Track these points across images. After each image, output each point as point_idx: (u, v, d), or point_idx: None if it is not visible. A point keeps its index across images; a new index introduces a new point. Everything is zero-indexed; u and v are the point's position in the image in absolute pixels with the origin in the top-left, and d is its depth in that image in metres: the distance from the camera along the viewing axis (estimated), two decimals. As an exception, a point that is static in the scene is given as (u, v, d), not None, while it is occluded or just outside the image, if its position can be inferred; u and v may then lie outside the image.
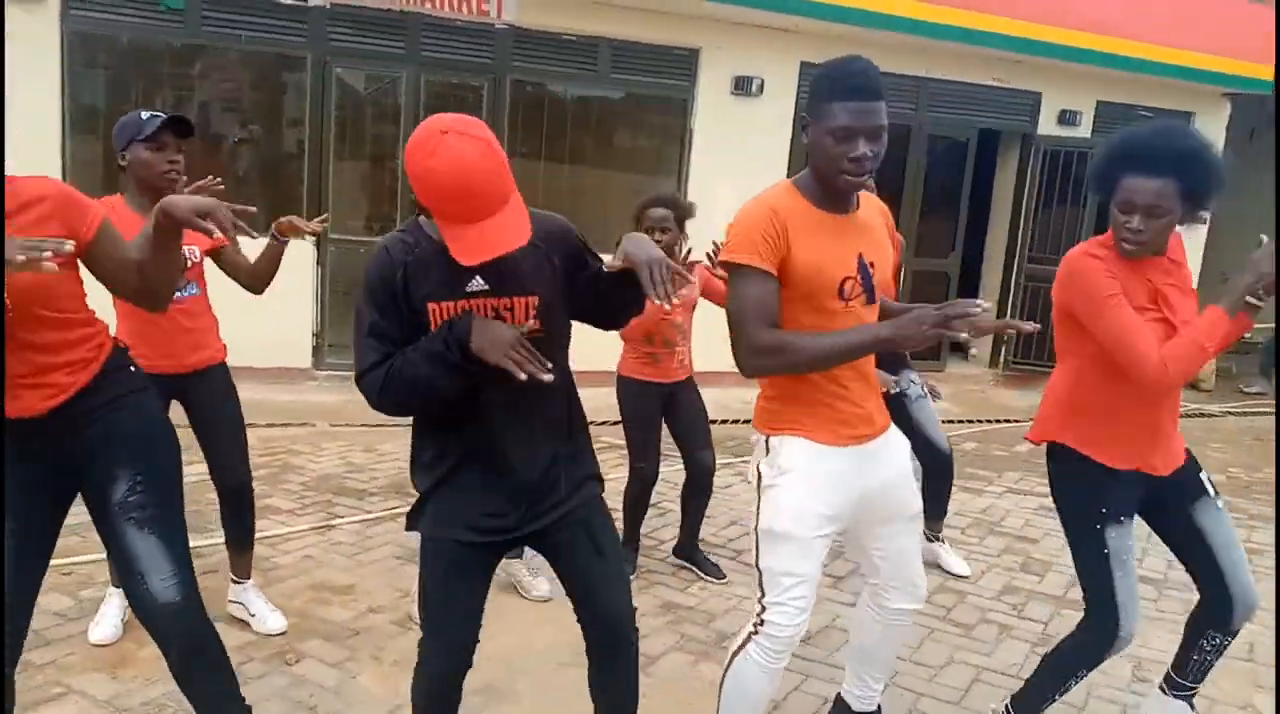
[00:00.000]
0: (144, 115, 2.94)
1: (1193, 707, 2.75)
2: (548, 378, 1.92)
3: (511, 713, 2.88)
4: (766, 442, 2.36)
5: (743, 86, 7.87)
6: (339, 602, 3.56)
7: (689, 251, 3.53)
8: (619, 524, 3.68)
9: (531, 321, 2.05)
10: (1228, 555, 2.53)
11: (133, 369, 2.25)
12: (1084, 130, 9.17)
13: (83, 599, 3.42)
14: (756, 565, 2.35)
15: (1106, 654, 2.53)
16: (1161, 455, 2.51)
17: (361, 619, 3.43)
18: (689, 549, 3.99)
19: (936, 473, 4.03)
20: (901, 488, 2.42)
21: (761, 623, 2.32)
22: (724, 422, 6.02)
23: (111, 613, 3.18)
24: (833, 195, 2.24)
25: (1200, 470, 2.60)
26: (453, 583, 2.15)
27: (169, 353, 3.01)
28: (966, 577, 4.10)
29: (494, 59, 7.27)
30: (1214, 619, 2.59)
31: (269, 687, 2.93)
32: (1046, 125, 9.05)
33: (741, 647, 2.36)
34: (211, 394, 3.13)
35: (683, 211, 3.61)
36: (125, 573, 2.15)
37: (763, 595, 2.33)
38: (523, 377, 1.91)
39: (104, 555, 3.00)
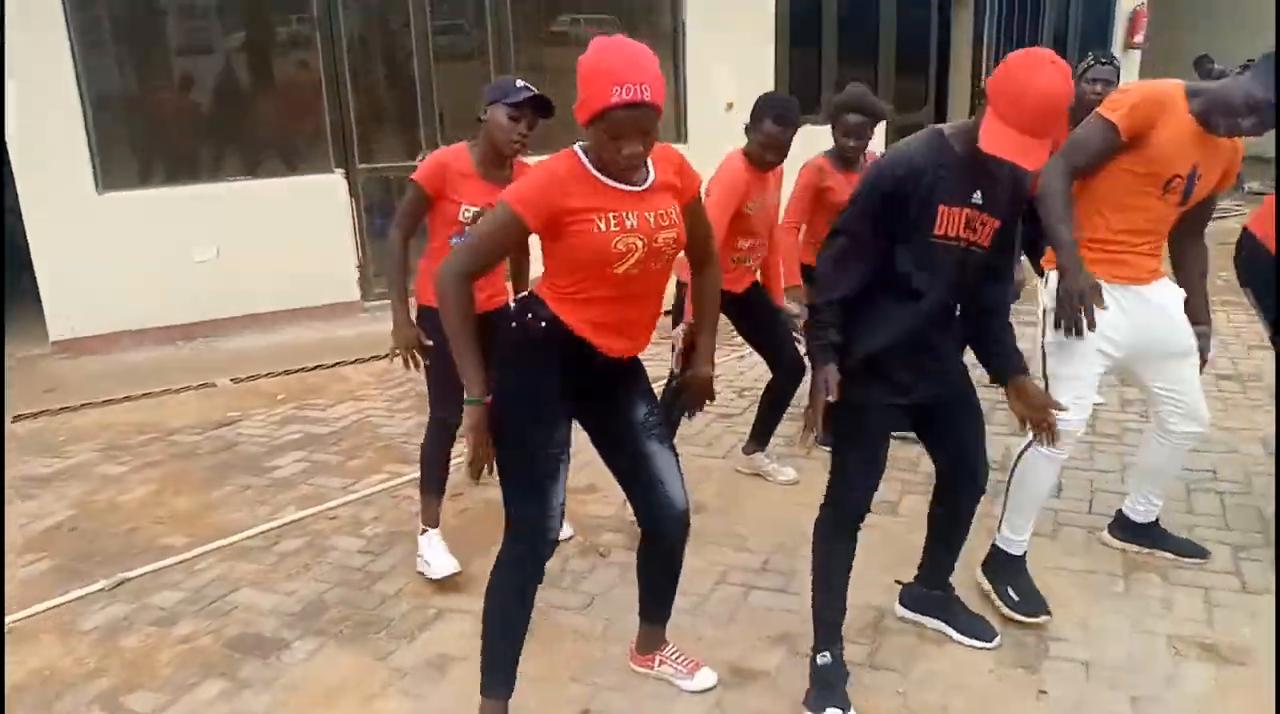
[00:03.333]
0: (518, 83, 3.06)
1: None
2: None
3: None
4: (1046, 276, 2.81)
5: (728, -37, 7.97)
6: (593, 500, 3.88)
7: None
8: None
9: None
10: None
11: None
12: (1032, -29, 9.61)
13: (370, 536, 3.68)
14: (1044, 374, 2.80)
15: None
16: None
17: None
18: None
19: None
20: (1175, 326, 2.87)
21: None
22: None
23: (440, 548, 3.40)
24: None
25: None
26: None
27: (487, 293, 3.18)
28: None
29: (492, -39, 7.19)
30: None
31: (603, 580, 3.29)
32: (999, -30, 9.45)
33: (1027, 446, 2.83)
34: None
35: (878, 115, 3.86)
36: (643, 480, 2.45)
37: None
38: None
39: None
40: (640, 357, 2.47)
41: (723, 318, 3.42)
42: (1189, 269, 2.99)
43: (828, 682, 2.55)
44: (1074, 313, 2.62)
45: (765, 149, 3.46)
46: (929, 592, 2.86)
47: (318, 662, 2.89)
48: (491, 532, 3.55)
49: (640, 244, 2.19)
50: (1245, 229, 3.34)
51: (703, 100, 7.96)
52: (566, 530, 3.57)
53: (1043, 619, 2.85)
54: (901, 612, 2.94)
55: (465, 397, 2.24)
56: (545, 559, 2.39)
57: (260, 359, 6.05)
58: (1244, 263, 3.34)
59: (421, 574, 3.34)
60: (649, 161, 2.24)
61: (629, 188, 2.21)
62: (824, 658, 2.57)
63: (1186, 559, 3.17)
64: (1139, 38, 10.42)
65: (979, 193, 2.36)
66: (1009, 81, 2.20)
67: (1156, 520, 3.24)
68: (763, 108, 3.47)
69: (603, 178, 2.19)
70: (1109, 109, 2.69)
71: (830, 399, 2.35)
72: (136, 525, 3.84)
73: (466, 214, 3.10)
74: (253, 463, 4.43)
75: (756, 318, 3.80)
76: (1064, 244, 2.66)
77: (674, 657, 2.71)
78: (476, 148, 3.12)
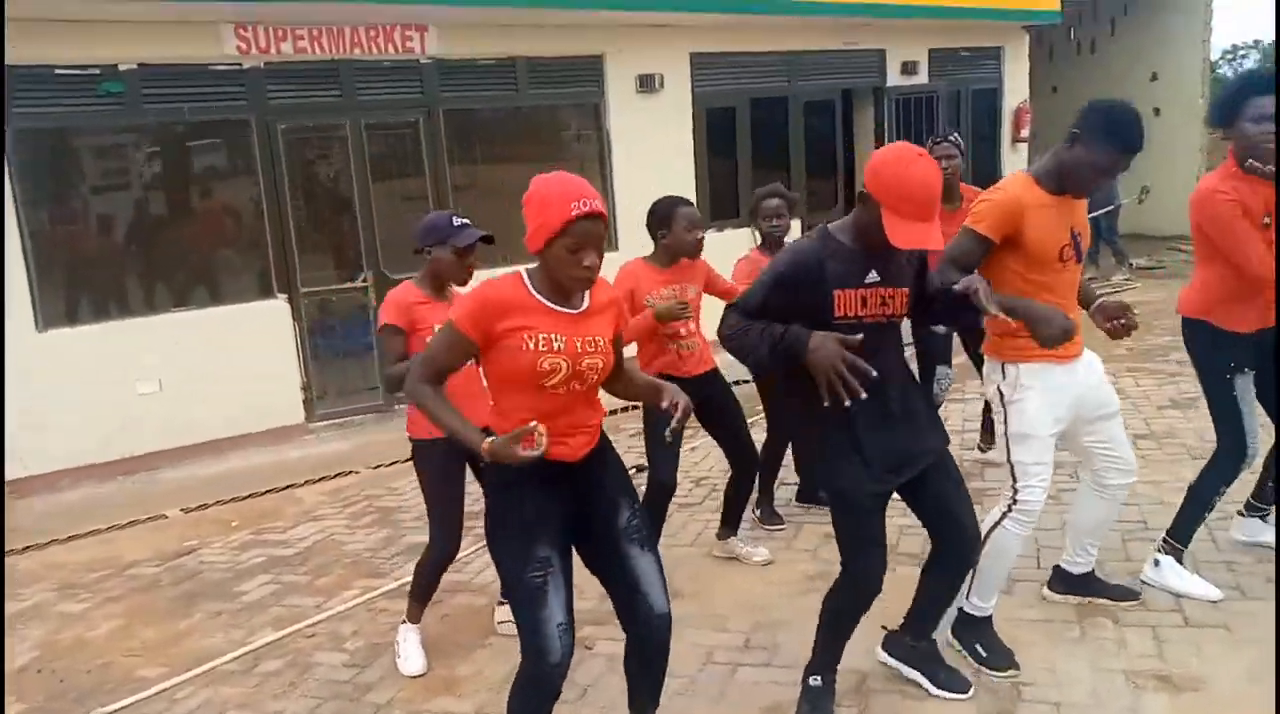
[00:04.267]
0: (455, 222, 3.30)
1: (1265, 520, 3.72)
2: (860, 394, 2.51)
3: (786, 635, 3.45)
4: (1003, 367, 3.06)
5: (646, 84, 8.48)
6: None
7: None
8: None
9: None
10: None
11: None
12: (923, 77, 10.40)
13: (352, 650, 3.71)
14: (1008, 461, 3.06)
15: (1239, 471, 3.41)
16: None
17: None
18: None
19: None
20: (1102, 389, 3.17)
21: (1015, 502, 3.03)
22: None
23: (416, 645, 3.49)
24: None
25: None
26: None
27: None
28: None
29: (424, 93, 7.54)
30: None
31: (593, 671, 3.37)
32: (892, 77, 10.21)
33: (996, 524, 3.06)
34: None
35: (791, 201, 4.26)
36: (624, 586, 2.52)
37: (1014, 482, 3.04)
38: (833, 396, 2.52)
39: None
40: (613, 462, 2.59)
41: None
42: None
43: (818, 705, 2.83)
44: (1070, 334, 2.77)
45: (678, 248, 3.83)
46: (913, 644, 3.03)
47: (318, 776, 2.90)
48: (474, 636, 3.67)
49: (565, 366, 2.35)
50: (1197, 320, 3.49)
51: (631, 212, 8.34)
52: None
53: (1011, 674, 3.03)
54: (883, 657, 3.11)
55: (480, 446, 2.30)
56: (547, 678, 2.38)
57: (209, 488, 6.03)
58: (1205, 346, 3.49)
59: (408, 675, 3.42)
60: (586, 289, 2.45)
61: (564, 310, 2.39)
62: (815, 680, 2.85)
63: (1121, 602, 3.41)
64: (1024, 132, 11.28)
65: (874, 272, 2.63)
66: (892, 180, 2.50)
67: (1093, 570, 3.49)
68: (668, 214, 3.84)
69: (542, 299, 2.38)
70: (974, 222, 2.97)
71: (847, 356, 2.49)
72: (108, 660, 3.79)
73: None
74: (219, 589, 4.41)
75: (713, 406, 4.00)
76: (1017, 306, 2.77)
77: None
78: (423, 280, 3.37)
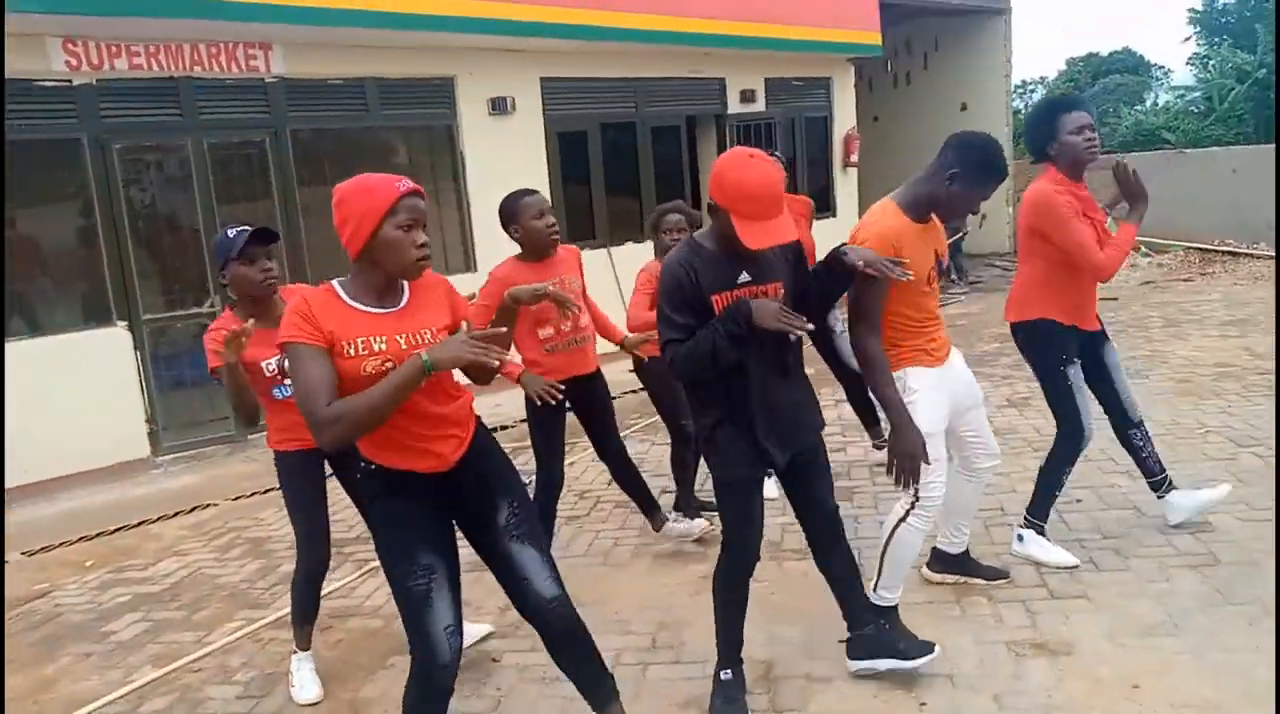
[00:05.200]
0: (231, 233, 3.16)
1: (1174, 485, 4.04)
2: (810, 327, 2.69)
3: (690, 633, 3.57)
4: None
5: (499, 107, 8.53)
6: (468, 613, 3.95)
7: None
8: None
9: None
10: (1121, 375, 3.89)
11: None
12: (760, 105, 10.90)
13: (245, 682, 3.56)
14: None
15: (1080, 451, 3.78)
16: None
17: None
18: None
19: (855, 388, 5.16)
20: (970, 384, 3.44)
21: (918, 499, 3.24)
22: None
23: (309, 673, 3.40)
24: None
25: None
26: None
27: None
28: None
29: (270, 113, 7.32)
30: (1124, 420, 3.93)
31: (505, 681, 3.37)
32: (733, 104, 10.65)
33: (901, 520, 3.27)
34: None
35: (693, 218, 4.40)
36: (511, 580, 2.59)
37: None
38: (795, 333, 2.68)
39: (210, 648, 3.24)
40: (492, 458, 2.62)
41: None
42: None
43: (730, 696, 2.97)
44: (911, 468, 3.02)
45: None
46: (863, 633, 3.15)
47: (232, 809, 2.79)
48: (374, 659, 3.60)
49: (391, 367, 2.32)
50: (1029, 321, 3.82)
51: (488, 234, 8.35)
52: (480, 631, 3.65)
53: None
54: (855, 667, 3.17)
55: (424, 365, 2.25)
56: (438, 678, 2.44)
57: (54, 528, 5.61)
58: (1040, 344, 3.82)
59: (302, 703, 3.33)
60: (405, 285, 2.47)
61: (380, 311, 2.39)
62: (726, 674, 2.99)
63: (993, 581, 3.71)
64: (854, 157, 11.99)
65: (745, 273, 2.78)
66: (732, 186, 2.63)
67: (967, 551, 3.78)
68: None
69: (356, 304, 2.38)
70: None
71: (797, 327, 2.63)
72: (-35, 714, 3.49)
73: (270, 367, 3.22)
74: (84, 631, 4.13)
75: (591, 407, 4.17)
76: (894, 404, 3.06)
77: None
78: (239, 307, 3.26)
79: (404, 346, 2.36)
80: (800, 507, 3.05)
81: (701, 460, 4.71)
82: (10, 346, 6.16)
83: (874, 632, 3.15)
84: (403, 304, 2.44)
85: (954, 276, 11.87)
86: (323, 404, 2.25)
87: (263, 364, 3.19)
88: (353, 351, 2.32)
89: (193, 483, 6.49)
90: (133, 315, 6.74)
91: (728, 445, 2.88)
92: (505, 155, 8.54)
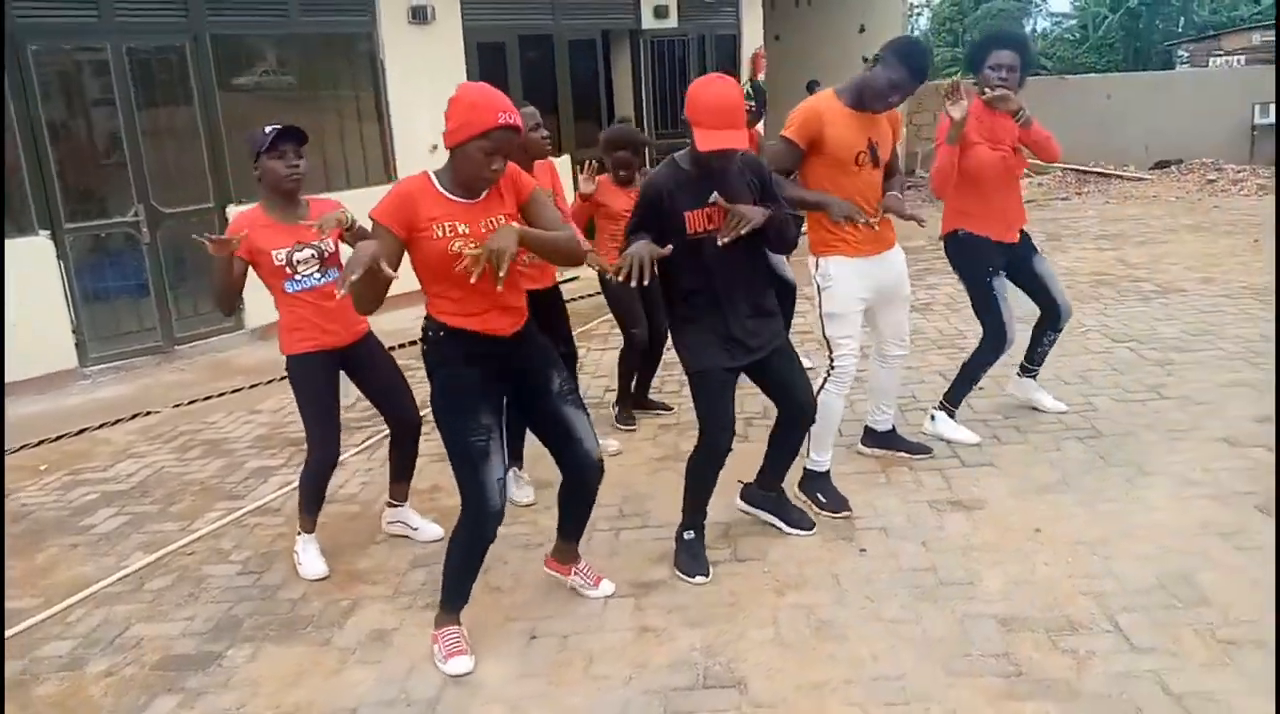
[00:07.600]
0: (266, 130, 3.38)
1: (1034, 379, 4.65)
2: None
3: (652, 504, 3.99)
4: (817, 261, 3.72)
5: (419, 15, 8.50)
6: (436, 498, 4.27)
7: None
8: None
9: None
10: (1055, 283, 4.40)
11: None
12: (673, 21, 11.06)
13: (242, 560, 3.81)
14: (824, 336, 3.74)
15: (1002, 353, 4.30)
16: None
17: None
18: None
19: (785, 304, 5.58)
20: (901, 280, 3.89)
21: (832, 369, 3.72)
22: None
23: (315, 552, 3.67)
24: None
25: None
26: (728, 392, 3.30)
27: (344, 326, 3.53)
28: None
29: (189, 15, 7.17)
30: (1051, 323, 4.45)
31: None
32: (647, 20, 10.79)
33: (821, 389, 3.73)
34: (372, 355, 3.66)
35: (637, 144, 4.68)
36: (564, 439, 3.00)
37: (830, 352, 3.73)
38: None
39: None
40: (539, 338, 3.02)
41: None
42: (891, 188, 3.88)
43: (693, 553, 3.42)
44: (853, 213, 3.49)
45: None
46: (765, 493, 3.66)
47: (262, 660, 3.08)
48: (361, 537, 3.90)
49: (475, 246, 2.70)
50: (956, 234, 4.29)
51: (408, 144, 8.42)
52: (528, 495, 4.10)
53: (845, 514, 3.72)
54: (742, 506, 3.75)
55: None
56: (489, 524, 2.87)
57: (-7, 436, 5.61)
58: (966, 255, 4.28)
59: (309, 578, 3.60)
60: None
61: (466, 201, 2.78)
62: (689, 534, 3.43)
63: (918, 455, 4.23)
64: (761, 75, 12.30)
65: (715, 193, 3.12)
66: (695, 101, 3.03)
67: (893, 428, 4.29)
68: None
69: (446, 193, 2.76)
70: (786, 130, 3.61)
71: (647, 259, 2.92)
72: (-33, 598, 3.65)
73: (279, 258, 3.44)
74: (63, 525, 4.28)
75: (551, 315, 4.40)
76: (809, 197, 3.54)
77: (584, 570, 3.32)
78: (264, 199, 3.50)
79: (483, 232, 2.74)
80: (774, 393, 3.44)
81: (651, 367, 5.13)
82: (-63, 254, 6.03)
83: (774, 497, 3.66)
84: (483, 197, 2.80)
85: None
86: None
87: (273, 253, 3.39)
88: (440, 233, 2.70)
89: (125, 392, 6.53)
90: (55, 224, 6.63)
91: (696, 337, 3.25)
92: (425, 65, 8.54)
